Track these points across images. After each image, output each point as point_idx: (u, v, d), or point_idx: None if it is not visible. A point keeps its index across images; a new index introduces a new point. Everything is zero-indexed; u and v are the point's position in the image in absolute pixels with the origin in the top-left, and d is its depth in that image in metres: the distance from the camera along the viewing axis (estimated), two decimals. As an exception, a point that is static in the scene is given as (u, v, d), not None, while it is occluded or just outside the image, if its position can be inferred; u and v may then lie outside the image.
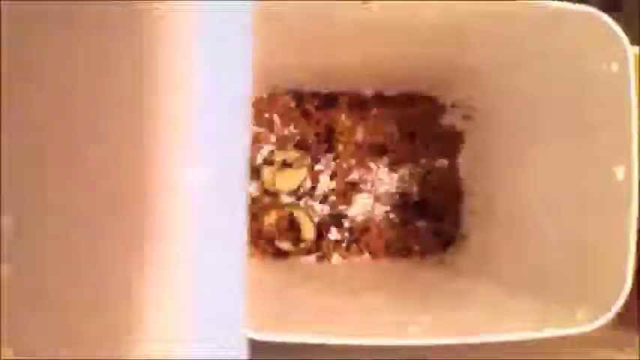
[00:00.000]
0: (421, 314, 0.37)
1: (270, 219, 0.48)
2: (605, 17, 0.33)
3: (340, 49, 0.40)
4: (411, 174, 0.51)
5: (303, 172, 0.49)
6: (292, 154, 0.49)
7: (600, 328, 0.32)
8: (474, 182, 0.50)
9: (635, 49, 0.34)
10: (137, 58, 0.19)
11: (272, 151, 0.50)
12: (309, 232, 0.49)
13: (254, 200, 0.49)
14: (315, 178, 0.50)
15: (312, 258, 0.49)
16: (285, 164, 0.49)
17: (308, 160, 0.49)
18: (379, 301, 0.40)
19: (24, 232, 0.19)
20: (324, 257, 0.49)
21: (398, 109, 0.50)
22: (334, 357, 0.37)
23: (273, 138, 0.50)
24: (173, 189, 0.19)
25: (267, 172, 0.49)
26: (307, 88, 0.49)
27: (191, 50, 0.20)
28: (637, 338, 0.44)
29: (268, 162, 0.49)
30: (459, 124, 0.51)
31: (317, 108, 0.50)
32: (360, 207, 0.50)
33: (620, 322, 0.33)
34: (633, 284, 0.32)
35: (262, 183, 0.49)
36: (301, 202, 0.49)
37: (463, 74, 0.45)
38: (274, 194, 0.49)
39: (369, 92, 0.50)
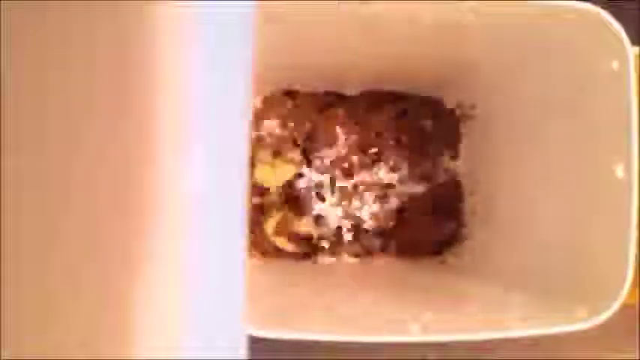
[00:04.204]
0: (421, 312, 0.37)
1: (271, 220, 0.48)
2: (606, 15, 0.33)
3: (340, 48, 0.40)
4: (410, 174, 0.51)
5: (291, 169, 0.49)
6: (285, 150, 0.49)
7: (600, 328, 0.32)
8: (474, 182, 0.50)
9: (636, 49, 0.34)
10: (136, 58, 0.19)
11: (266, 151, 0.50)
12: (309, 232, 0.49)
13: (255, 199, 0.49)
14: (314, 178, 0.50)
15: (312, 258, 0.49)
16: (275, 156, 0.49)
17: (298, 156, 0.49)
18: (379, 300, 0.41)
19: (25, 232, 0.19)
20: (324, 257, 0.49)
21: (398, 109, 0.50)
22: (335, 357, 0.37)
23: (272, 138, 0.50)
24: (173, 189, 0.19)
25: (259, 169, 0.49)
26: (307, 88, 0.49)
27: (191, 51, 0.20)
28: (637, 338, 0.44)
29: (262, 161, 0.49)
30: (459, 124, 0.51)
31: (316, 108, 0.50)
32: (360, 207, 0.50)
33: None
34: (634, 282, 0.32)
35: (254, 180, 0.49)
36: (300, 203, 0.50)
37: (463, 73, 0.45)
38: (267, 191, 0.49)
39: (368, 92, 0.50)
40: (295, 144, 0.50)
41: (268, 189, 0.49)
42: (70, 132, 0.19)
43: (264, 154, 0.49)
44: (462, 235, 0.50)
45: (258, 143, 0.49)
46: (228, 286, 0.21)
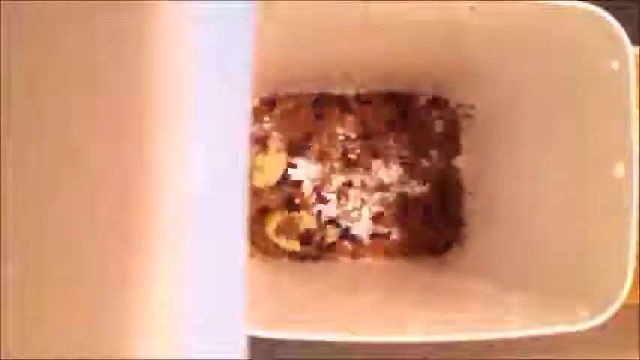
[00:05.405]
0: (421, 312, 0.37)
1: (272, 220, 0.48)
2: (605, 15, 0.33)
3: (339, 48, 0.40)
4: (411, 174, 0.51)
5: (278, 162, 0.48)
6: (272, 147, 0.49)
7: (600, 328, 0.32)
8: (474, 182, 0.50)
9: (636, 49, 0.34)
10: (136, 58, 0.19)
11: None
12: (309, 232, 0.49)
13: (254, 201, 0.49)
14: (315, 178, 0.50)
15: (312, 258, 0.49)
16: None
17: (282, 147, 0.49)
18: (379, 300, 0.41)
19: (26, 231, 0.19)
20: (324, 257, 0.49)
21: (398, 109, 0.50)
22: (335, 356, 0.37)
23: (272, 138, 0.50)
24: (173, 189, 0.19)
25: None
26: (307, 87, 0.49)
27: (191, 51, 0.20)
28: (637, 338, 0.44)
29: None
30: (460, 124, 0.51)
31: (317, 108, 0.50)
32: (360, 207, 0.50)
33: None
34: (634, 282, 0.32)
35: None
36: (301, 203, 0.50)
37: (463, 73, 0.45)
38: (267, 191, 0.49)
39: (368, 92, 0.50)
40: (295, 145, 0.50)
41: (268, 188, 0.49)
42: (69, 132, 0.19)
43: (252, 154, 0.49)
44: (462, 235, 0.50)
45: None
46: (228, 286, 0.21)
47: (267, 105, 0.50)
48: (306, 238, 0.49)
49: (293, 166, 0.49)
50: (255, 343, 0.25)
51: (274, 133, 0.49)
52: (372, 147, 0.50)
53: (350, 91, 0.50)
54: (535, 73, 0.40)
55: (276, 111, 0.50)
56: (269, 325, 0.31)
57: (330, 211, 0.50)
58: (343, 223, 0.50)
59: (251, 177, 0.48)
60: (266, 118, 0.49)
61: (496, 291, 0.40)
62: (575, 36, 0.35)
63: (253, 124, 0.49)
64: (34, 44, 0.19)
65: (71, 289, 0.19)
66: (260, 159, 0.48)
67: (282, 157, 0.49)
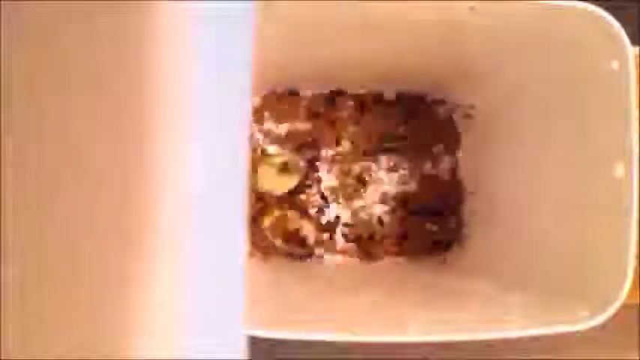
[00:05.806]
0: (421, 312, 0.37)
1: (270, 220, 0.48)
2: (605, 15, 0.33)
3: (340, 49, 0.40)
4: (411, 174, 0.51)
5: (294, 179, 0.49)
6: (288, 156, 0.49)
7: (600, 328, 0.32)
8: (474, 182, 0.50)
9: (636, 49, 0.34)
10: (136, 58, 0.19)
11: (267, 151, 0.49)
12: (308, 233, 0.49)
13: (255, 200, 0.49)
14: (315, 178, 0.50)
15: (312, 258, 0.49)
16: (282, 168, 0.49)
17: (303, 163, 0.49)
18: (379, 300, 0.41)
19: (26, 231, 0.19)
20: (324, 257, 0.49)
21: (398, 109, 0.51)
22: (335, 356, 0.37)
23: (271, 138, 0.50)
24: (173, 189, 0.19)
25: (261, 172, 0.48)
26: (307, 88, 0.49)
27: (191, 51, 0.20)
28: (637, 338, 0.44)
29: (262, 161, 0.49)
30: (459, 124, 0.51)
31: (317, 108, 0.50)
32: (360, 207, 0.50)
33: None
34: (634, 282, 0.32)
35: (255, 182, 0.49)
36: (300, 203, 0.50)
37: (463, 73, 0.45)
38: (267, 194, 0.49)
39: (368, 92, 0.50)
40: (295, 145, 0.50)
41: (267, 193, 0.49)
42: (69, 132, 0.19)
43: (269, 163, 0.49)
44: (462, 235, 0.50)
45: (261, 151, 0.49)
46: (228, 285, 0.21)
47: (266, 104, 0.50)
48: (304, 238, 0.49)
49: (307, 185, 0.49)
50: (255, 343, 0.25)
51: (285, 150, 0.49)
52: (372, 147, 0.50)
53: (350, 91, 0.50)
54: (535, 73, 0.40)
55: (276, 111, 0.50)
56: (269, 325, 0.31)
57: (330, 211, 0.50)
58: (343, 223, 0.50)
59: (261, 183, 0.48)
60: (266, 118, 0.49)
61: (496, 291, 0.40)
62: (575, 36, 0.35)
63: (253, 124, 0.49)
64: (34, 44, 0.19)
65: (71, 289, 0.19)
66: (277, 173, 0.49)
67: (298, 177, 0.49)
